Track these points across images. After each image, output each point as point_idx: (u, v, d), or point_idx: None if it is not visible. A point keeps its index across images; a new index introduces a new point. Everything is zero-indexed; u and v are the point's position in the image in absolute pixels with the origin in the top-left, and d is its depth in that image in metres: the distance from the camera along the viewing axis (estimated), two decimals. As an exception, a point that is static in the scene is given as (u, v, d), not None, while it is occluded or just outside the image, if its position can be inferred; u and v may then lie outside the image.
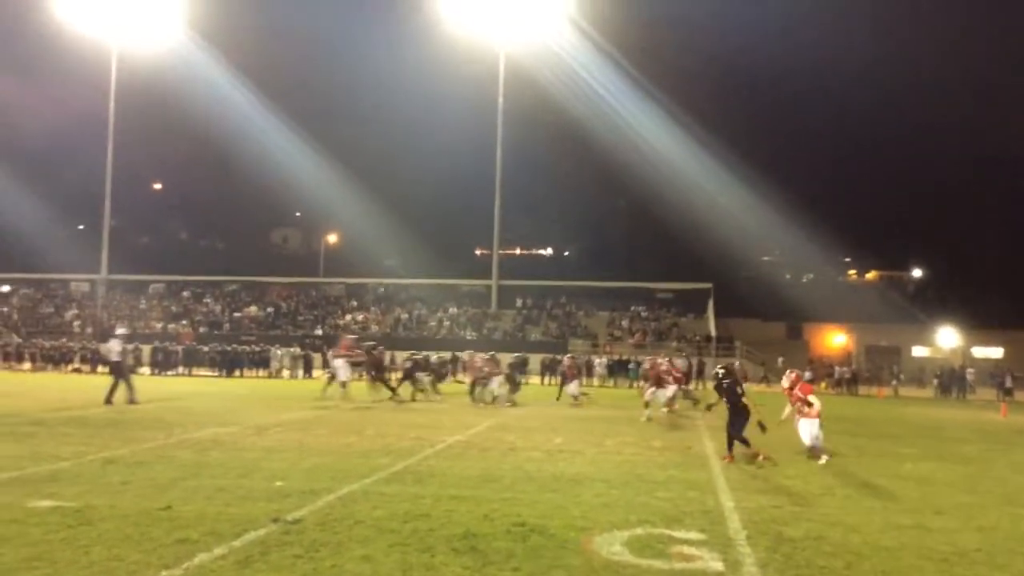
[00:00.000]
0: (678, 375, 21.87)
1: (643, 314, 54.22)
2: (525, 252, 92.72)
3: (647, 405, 19.86)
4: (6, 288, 59.53)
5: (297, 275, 64.83)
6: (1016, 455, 15.55)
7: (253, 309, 55.68)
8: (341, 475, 10.74)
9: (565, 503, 9.34)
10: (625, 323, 52.88)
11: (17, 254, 61.42)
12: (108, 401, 20.06)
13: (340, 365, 23.01)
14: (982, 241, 65.58)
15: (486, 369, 23.80)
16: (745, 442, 12.89)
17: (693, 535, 7.68)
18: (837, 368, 42.95)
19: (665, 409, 20.55)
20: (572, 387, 23.98)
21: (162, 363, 40.03)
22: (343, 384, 22.71)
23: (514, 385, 24.03)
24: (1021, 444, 17.72)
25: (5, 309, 55.71)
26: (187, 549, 6.96)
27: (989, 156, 76.96)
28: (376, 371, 24.34)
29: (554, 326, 52.45)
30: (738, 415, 13.02)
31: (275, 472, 10.94)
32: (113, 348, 20.99)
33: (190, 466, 11.33)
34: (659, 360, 16.90)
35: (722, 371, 13.77)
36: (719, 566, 6.80)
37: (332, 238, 77.62)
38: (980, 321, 54.63)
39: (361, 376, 25.88)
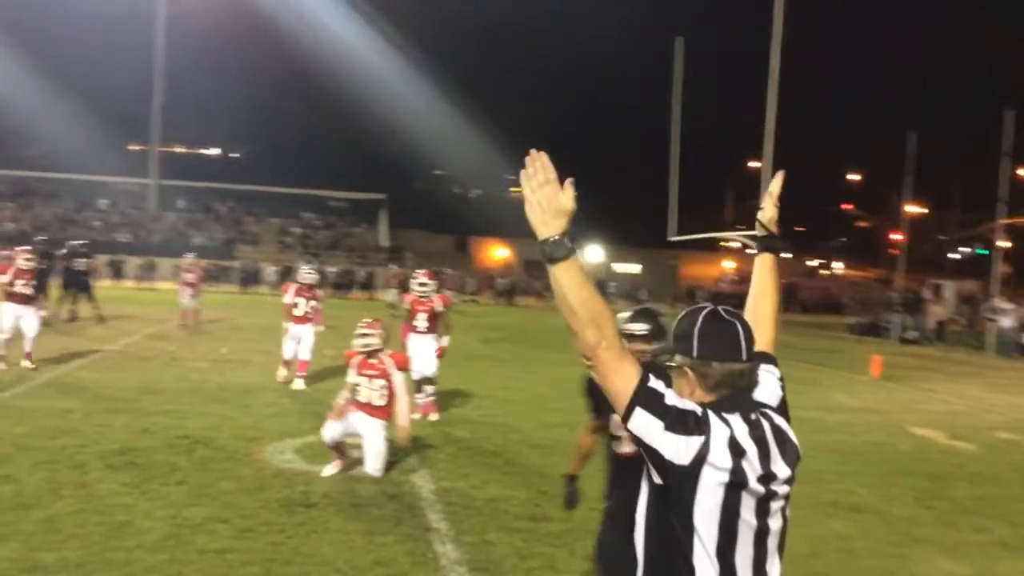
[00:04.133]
0: None
1: (315, 222, 53.37)
2: (189, 151, 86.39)
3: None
4: None
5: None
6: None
7: None
8: (-31, 391, 9.53)
9: (234, 414, 9.10)
10: (297, 231, 51.74)
11: None
12: None
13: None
14: (625, 167, 72.50)
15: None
16: None
17: (365, 440, 7.84)
18: (498, 279, 45.77)
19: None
20: (186, 298, 18.43)
21: None
22: None
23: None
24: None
25: None
26: None
27: (629, 82, 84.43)
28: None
29: (220, 231, 49.91)
30: None
31: None
32: None
33: None
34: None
35: None
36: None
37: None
38: (620, 239, 60.68)
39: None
